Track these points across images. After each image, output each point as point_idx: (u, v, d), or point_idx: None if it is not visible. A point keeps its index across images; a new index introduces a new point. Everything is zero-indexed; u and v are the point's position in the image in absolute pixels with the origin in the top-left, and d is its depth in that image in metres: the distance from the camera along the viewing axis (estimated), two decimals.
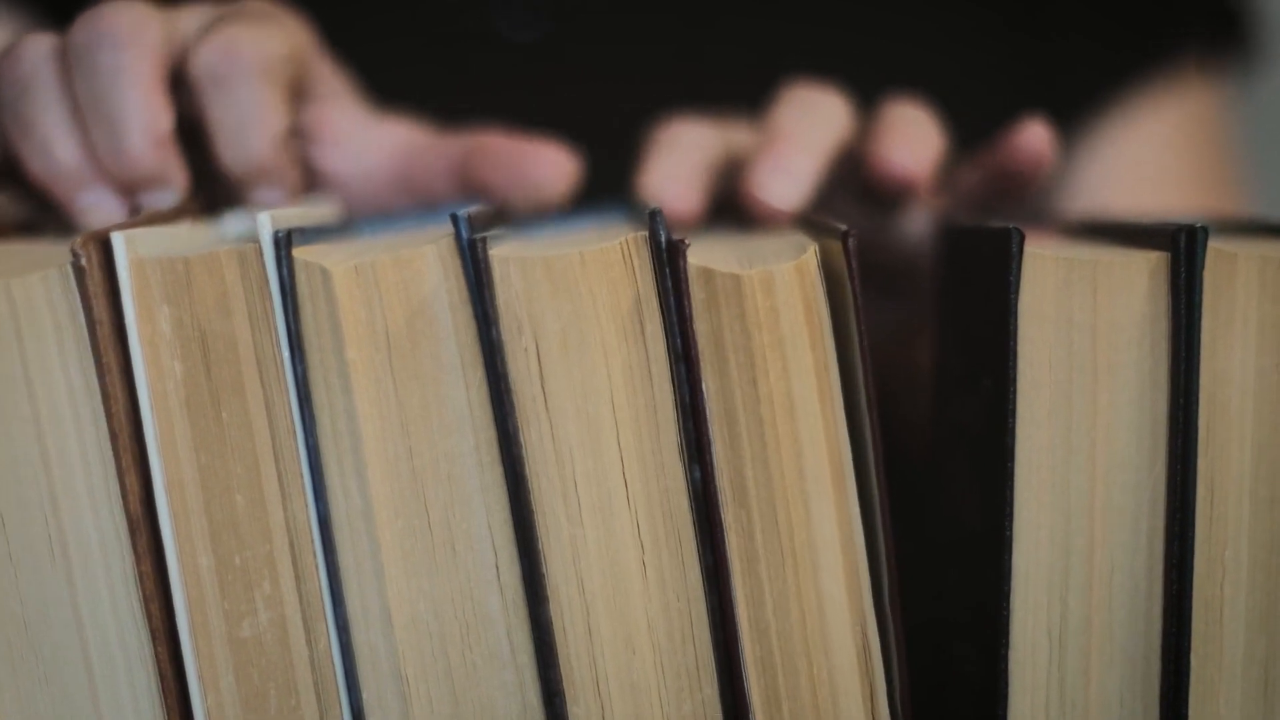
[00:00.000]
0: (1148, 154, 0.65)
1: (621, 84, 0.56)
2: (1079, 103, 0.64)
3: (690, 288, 0.35)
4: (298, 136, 0.43)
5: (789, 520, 0.36)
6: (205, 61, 0.41)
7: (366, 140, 0.44)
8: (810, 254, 0.35)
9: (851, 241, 0.35)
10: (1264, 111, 0.74)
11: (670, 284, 0.35)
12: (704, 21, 0.62)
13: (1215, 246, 0.35)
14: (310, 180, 0.44)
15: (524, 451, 0.35)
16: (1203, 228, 0.35)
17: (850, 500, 0.36)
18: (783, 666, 0.36)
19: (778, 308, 0.35)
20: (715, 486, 0.35)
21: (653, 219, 0.35)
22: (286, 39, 0.42)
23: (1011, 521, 0.37)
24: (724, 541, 0.36)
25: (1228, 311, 0.36)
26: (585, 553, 0.35)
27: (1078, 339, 0.36)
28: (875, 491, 0.36)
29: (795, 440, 0.35)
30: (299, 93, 0.44)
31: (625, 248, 0.35)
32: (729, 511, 0.36)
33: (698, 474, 0.36)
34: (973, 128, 0.47)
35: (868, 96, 0.47)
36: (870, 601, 0.36)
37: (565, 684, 0.36)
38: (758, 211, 0.43)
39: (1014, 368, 0.36)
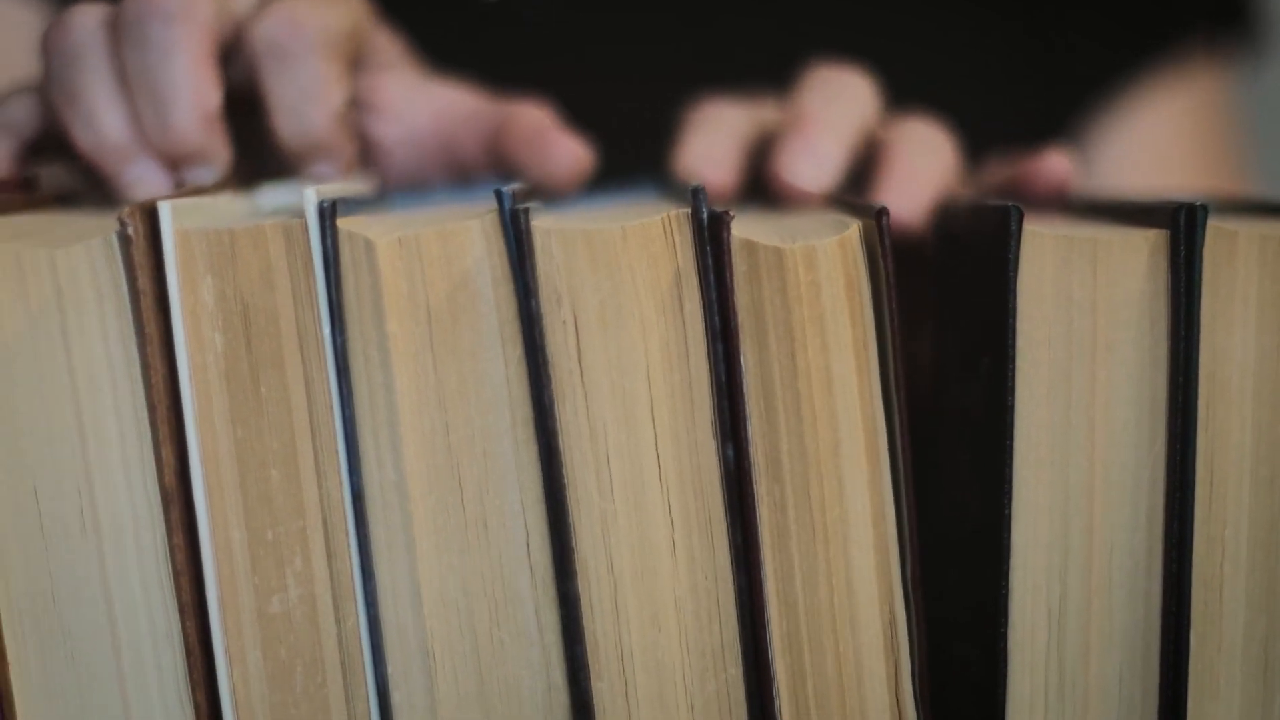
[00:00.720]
0: (1157, 139, 0.66)
1: (621, 84, 0.57)
2: (1089, 89, 0.65)
3: (732, 260, 0.35)
4: (354, 106, 0.44)
5: (822, 496, 0.36)
6: (266, 34, 0.41)
7: (418, 106, 0.44)
8: (853, 230, 0.36)
9: (886, 219, 0.36)
10: (1270, 96, 0.75)
11: (712, 256, 0.35)
12: (704, 21, 0.63)
13: (1216, 225, 0.36)
14: (363, 150, 0.44)
15: (558, 424, 0.35)
16: (1202, 206, 0.36)
17: (884, 477, 0.37)
18: (809, 642, 0.37)
19: (819, 282, 0.35)
20: (749, 460, 0.36)
21: (695, 196, 0.35)
22: (347, 12, 0.42)
23: (1010, 500, 0.37)
24: (755, 516, 0.36)
25: (1228, 290, 0.36)
26: (615, 528, 0.36)
27: (1077, 317, 0.36)
28: (901, 470, 0.37)
29: (832, 416, 0.36)
30: (361, 63, 0.44)
31: (666, 224, 0.35)
32: (762, 486, 0.36)
33: (731, 452, 0.36)
34: (985, 118, 0.48)
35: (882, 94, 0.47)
36: (899, 579, 0.37)
37: (590, 660, 0.36)
38: (785, 194, 0.43)
39: (1013, 346, 0.36)
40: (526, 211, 0.35)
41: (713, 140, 0.44)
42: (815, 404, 0.36)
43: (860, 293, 0.36)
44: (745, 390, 0.36)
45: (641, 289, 0.35)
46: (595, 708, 0.36)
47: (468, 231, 0.35)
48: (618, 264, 0.35)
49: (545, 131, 0.42)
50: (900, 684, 0.37)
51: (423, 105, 0.44)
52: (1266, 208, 0.40)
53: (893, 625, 0.37)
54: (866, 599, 0.37)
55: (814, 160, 0.43)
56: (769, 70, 0.49)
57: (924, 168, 0.44)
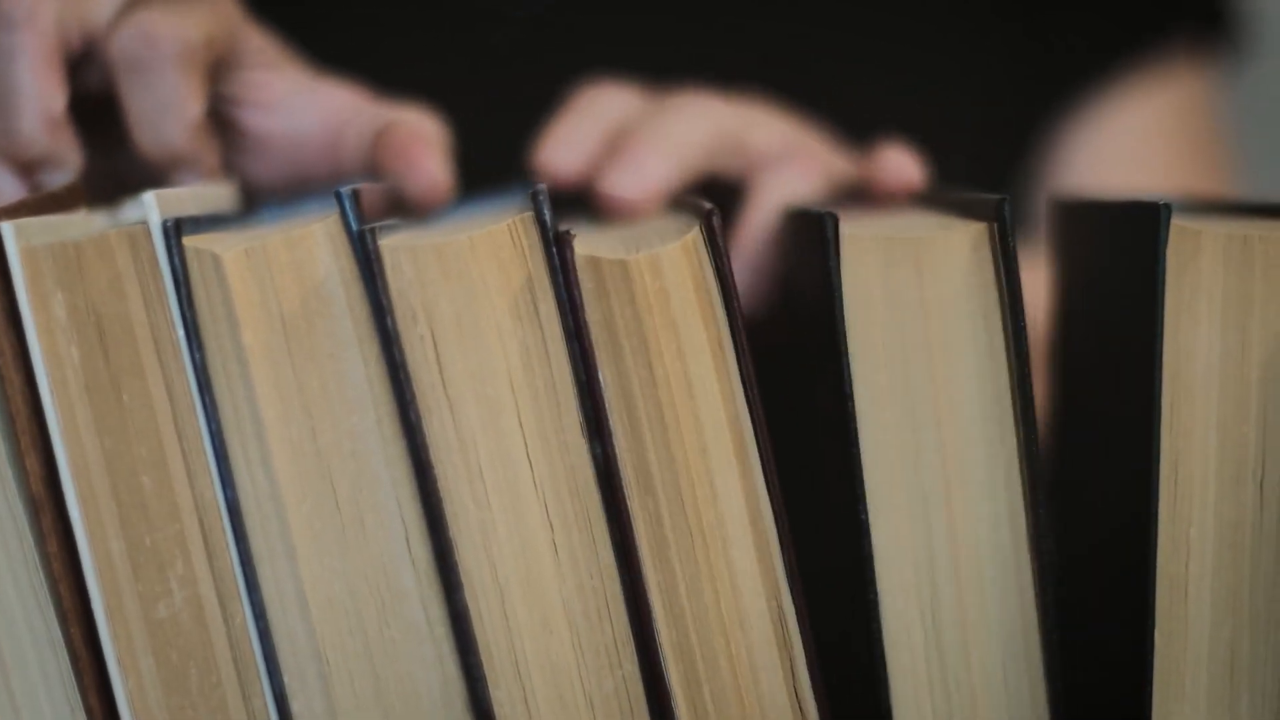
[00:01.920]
0: (1137, 138, 0.65)
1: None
2: (1069, 86, 0.64)
3: (578, 277, 0.35)
4: (227, 103, 0.43)
5: (695, 501, 0.36)
6: (121, 48, 0.40)
7: (301, 103, 0.44)
8: (695, 233, 0.35)
9: (716, 220, 0.35)
10: (1251, 96, 0.74)
11: (560, 275, 0.35)
12: (703, 20, 0.61)
13: (1180, 224, 0.35)
14: (234, 151, 0.44)
15: (427, 439, 0.35)
16: (1165, 204, 0.34)
17: (755, 474, 0.36)
18: (700, 649, 0.36)
19: (667, 289, 0.35)
20: (619, 476, 0.36)
21: (535, 199, 0.34)
22: (206, 21, 0.41)
23: (865, 505, 0.36)
24: (633, 531, 0.36)
25: (1192, 288, 0.35)
26: (495, 537, 0.35)
27: (908, 318, 0.36)
28: (768, 465, 0.36)
29: (695, 420, 0.35)
30: (227, 66, 0.43)
31: (513, 229, 0.35)
32: (635, 499, 0.36)
33: (599, 450, 0.36)
34: (965, 113, 0.45)
35: (869, 93, 0.48)
36: (783, 573, 0.36)
37: (486, 668, 0.36)
38: (607, 209, 0.42)
39: (845, 350, 0.36)
40: (373, 231, 0.34)
41: (575, 126, 0.44)
42: (678, 410, 0.35)
43: (709, 294, 0.35)
44: (607, 405, 0.35)
45: (495, 296, 0.35)
46: (496, 716, 0.36)
47: (313, 235, 0.35)
48: (469, 274, 0.34)
49: (412, 148, 0.42)
50: (798, 677, 0.37)
51: (308, 103, 0.44)
52: (1231, 207, 0.38)
53: (782, 620, 0.37)
54: (752, 596, 0.37)
55: (635, 174, 0.42)
56: (764, 71, 0.48)
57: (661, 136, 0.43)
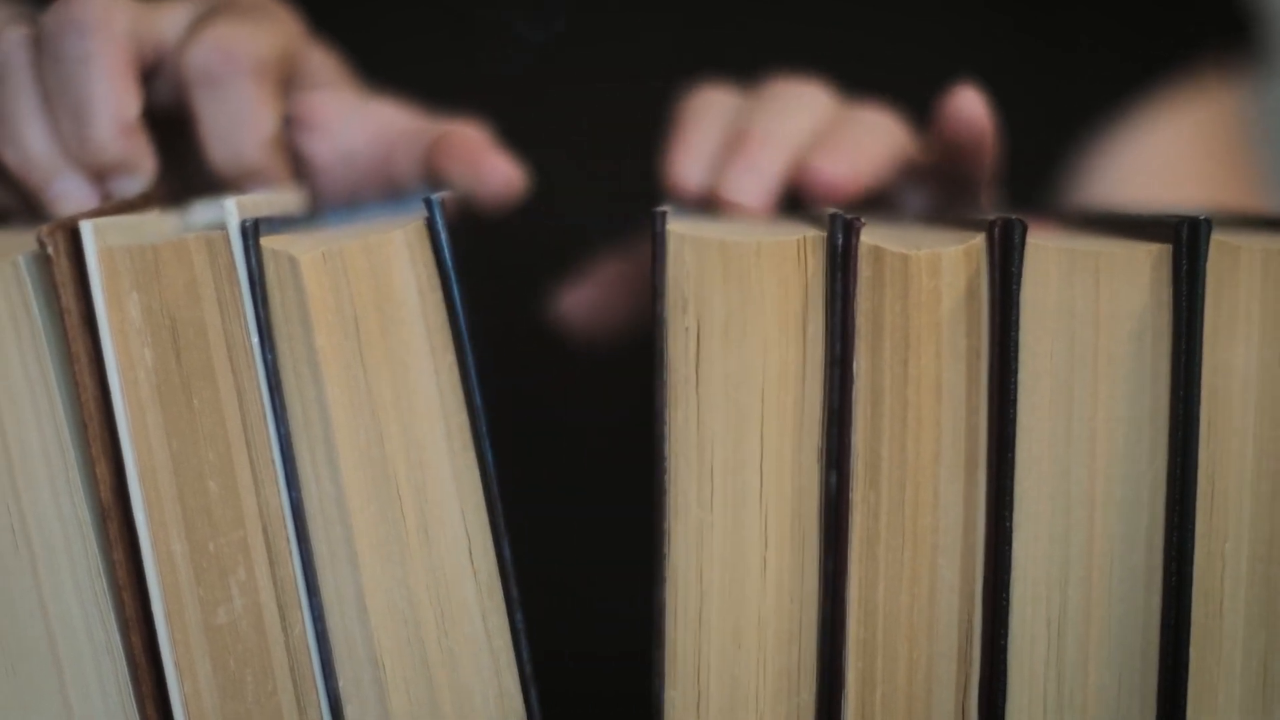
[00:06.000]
0: (1168, 155, 0.66)
1: (628, 87, 0.56)
2: (1099, 105, 0.65)
3: (858, 265, 0.35)
4: (287, 124, 0.44)
5: (916, 502, 0.36)
6: (196, 61, 0.41)
7: (354, 124, 0.44)
8: (979, 240, 0.36)
9: (998, 231, 0.35)
10: (1278, 111, 0.75)
11: (840, 273, 0.35)
12: (713, 24, 0.62)
13: (1219, 239, 0.35)
14: (297, 170, 0.44)
15: (667, 429, 0.35)
16: (1205, 220, 0.35)
17: (980, 489, 0.36)
18: (883, 649, 0.37)
19: (941, 290, 0.35)
20: (850, 465, 0.36)
21: (833, 222, 0.35)
22: (278, 36, 0.42)
23: (1012, 512, 0.36)
24: (849, 519, 0.36)
25: (1230, 304, 0.36)
26: (710, 541, 0.36)
27: (1079, 330, 0.36)
28: (1004, 482, 0.36)
29: (937, 424, 0.36)
30: (290, 85, 0.44)
31: (801, 246, 0.35)
32: (858, 492, 0.36)
33: (834, 479, 0.36)
34: (997, 128, 0.46)
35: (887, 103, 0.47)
36: (981, 592, 0.37)
37: (667, 665, 0.36)
38: (729, 212, 0.43)
39: (1015, 359, 0.36)
40: (664, 215, 0.35)
41: (700, 138, 0.44)
42: (922, 411, 0.36)
43: (980, 302, 0.36)
44: (854, 395, 0.36)
45: (768, 307, 0.35)
46: (665, 715, 0.37)
47: (391, 243, 0.35)
48: (748, 279, 0.35)
49: (479, 151, 0.42)
50: (968, 695, 0.37)
51: (359, 123, 0.44)
52: (1270, 222, 0.39)
53: (969, 637, 0.37)
54: (947, 608, 0.37)
55: (756, 177, 0.43)
56: (771, 74, 0.48)
57: (862, 138, 0.43)
